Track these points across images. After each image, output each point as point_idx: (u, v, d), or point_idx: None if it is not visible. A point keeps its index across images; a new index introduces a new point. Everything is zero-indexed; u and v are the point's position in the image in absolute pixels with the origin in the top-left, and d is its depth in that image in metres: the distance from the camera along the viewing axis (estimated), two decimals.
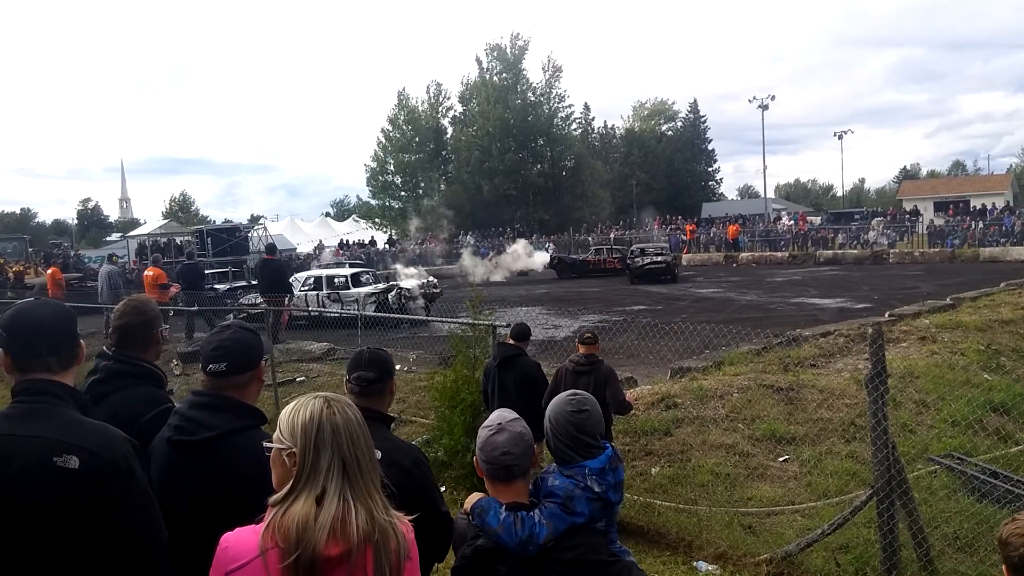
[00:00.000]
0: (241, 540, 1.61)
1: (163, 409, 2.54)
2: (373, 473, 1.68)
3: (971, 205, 46.23)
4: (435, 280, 20.50)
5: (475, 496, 2.19)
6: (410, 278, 20.96)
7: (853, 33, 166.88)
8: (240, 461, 2.14)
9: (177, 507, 2.17)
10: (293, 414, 1.66)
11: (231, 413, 2.23)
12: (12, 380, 2.06)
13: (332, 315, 15.13)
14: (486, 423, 2.19)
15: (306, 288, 17.56)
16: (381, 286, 18.11)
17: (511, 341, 6.07)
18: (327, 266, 25.96)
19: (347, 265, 24.93)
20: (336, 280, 17.98)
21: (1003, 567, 1.87)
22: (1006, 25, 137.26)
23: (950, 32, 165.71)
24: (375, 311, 14.99)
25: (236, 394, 2.26)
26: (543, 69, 57.47)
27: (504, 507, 2.09)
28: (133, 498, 1.96)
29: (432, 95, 59.37)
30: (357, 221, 61.21)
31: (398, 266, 29.89)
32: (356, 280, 18.06)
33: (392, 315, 14.10)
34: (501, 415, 2.19)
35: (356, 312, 12.94)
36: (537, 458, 2.22)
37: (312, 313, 15.22)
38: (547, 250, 38.17)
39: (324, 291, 17.39)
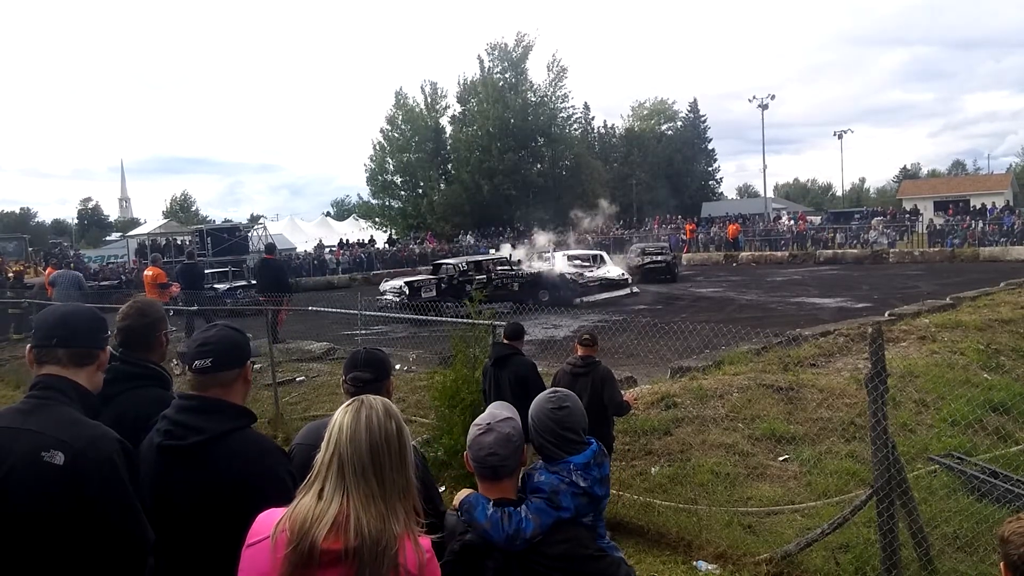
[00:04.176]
0: (267, 519, 1.68)
1: None
2: (395, 482, 1.67)
3: (971, 205, 46.27)
4: None
5: (464, 492, 2.19)
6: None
7: (860, 31, 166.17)
8: (233, 463, 2.11)
9: (172, 513, 2.14)
10: None
11: (221, 415, 2.18)
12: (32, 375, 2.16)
13: (333, 313, 15.13)
14: (476, 421, 2.20)
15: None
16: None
17: (506, 340, 6.07)
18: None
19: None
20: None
21: (1001, 564, 1.87)
22: (1015, 23, 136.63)
23: (958, 30, 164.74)
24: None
25: (222, 393, 2.21)
26: (548, 69, 57.36)
27: (492, 503, 2.09)
28: (115, 498, 1.96)
29: (427, 95, 59.25)
30: (357, 220, 61.16)
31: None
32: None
33: (392, 314, 14.10)
34: (492, 414, 2.19)
35: (356, 312, 12.93)
36: (524, 456, 2.22)
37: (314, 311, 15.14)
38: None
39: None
